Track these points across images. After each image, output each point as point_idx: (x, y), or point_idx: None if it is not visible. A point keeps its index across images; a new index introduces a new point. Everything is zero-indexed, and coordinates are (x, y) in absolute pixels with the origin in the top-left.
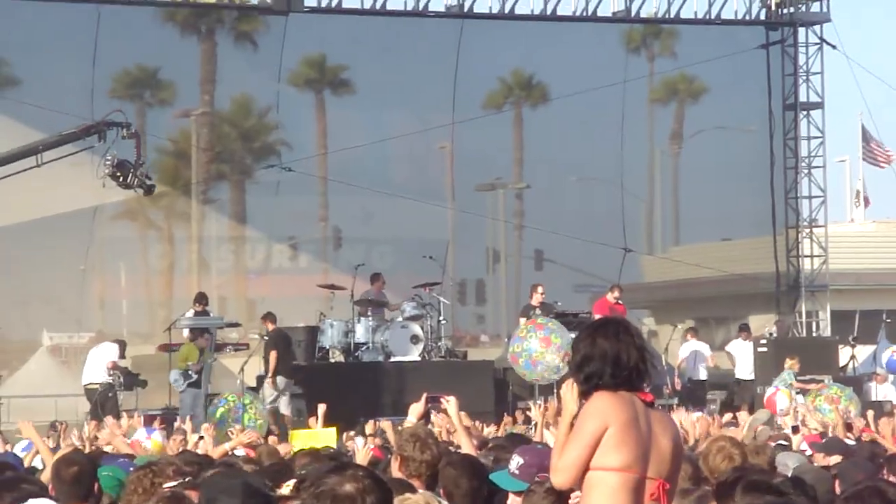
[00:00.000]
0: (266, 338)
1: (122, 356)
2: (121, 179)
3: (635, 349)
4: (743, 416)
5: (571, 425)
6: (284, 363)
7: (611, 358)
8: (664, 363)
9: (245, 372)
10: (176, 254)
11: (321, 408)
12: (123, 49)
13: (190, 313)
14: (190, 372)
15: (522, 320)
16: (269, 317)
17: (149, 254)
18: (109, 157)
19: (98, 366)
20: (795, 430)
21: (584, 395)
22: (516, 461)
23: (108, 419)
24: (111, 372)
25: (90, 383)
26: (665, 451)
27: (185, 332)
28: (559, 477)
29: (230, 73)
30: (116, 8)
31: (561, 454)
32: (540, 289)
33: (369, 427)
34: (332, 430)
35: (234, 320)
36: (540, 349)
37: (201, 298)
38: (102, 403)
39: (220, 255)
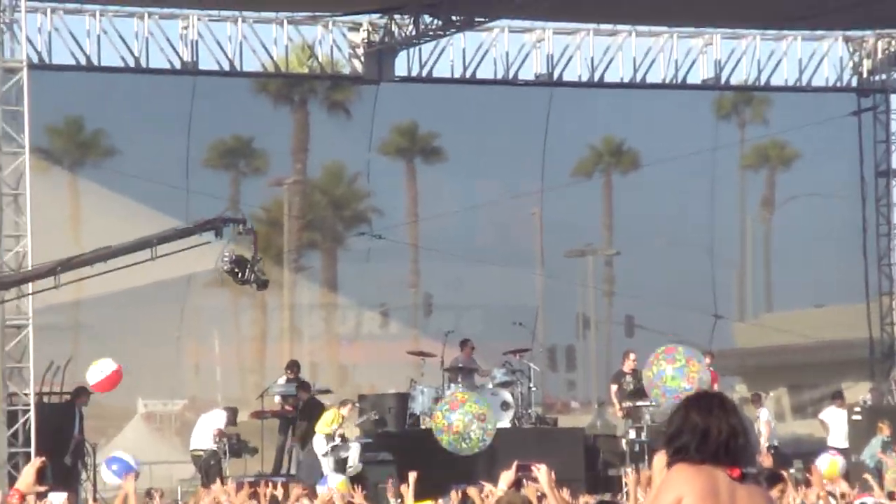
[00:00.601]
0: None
1: (234, 423)
2: (238, 276)
3: (727, 425)
4: (843, 485)
5: None
6: (308, 434)
7: (700, 432)
8: (757, 431)
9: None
10: (268, 321)
11: (412, 475)
12: (218, 119)
13: (282, 380)
14: (335, 435)
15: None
16: (304, 386)
17: (241, 321)
18: (227, 254)
19: (205, 432)
20: (892, 496)
21: (669, 466)
22: None
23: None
24: (217, 439)
25: (195, 449)
26: None
27: (277, 399)
28: None
29: (322, 142)
30: (211, 79)
31: None
32: (632, 355)
33: (453, 497)
34: None
35: (326, 387)
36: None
37: (293, 366)
38: (206, 470)
39: (311, 321)
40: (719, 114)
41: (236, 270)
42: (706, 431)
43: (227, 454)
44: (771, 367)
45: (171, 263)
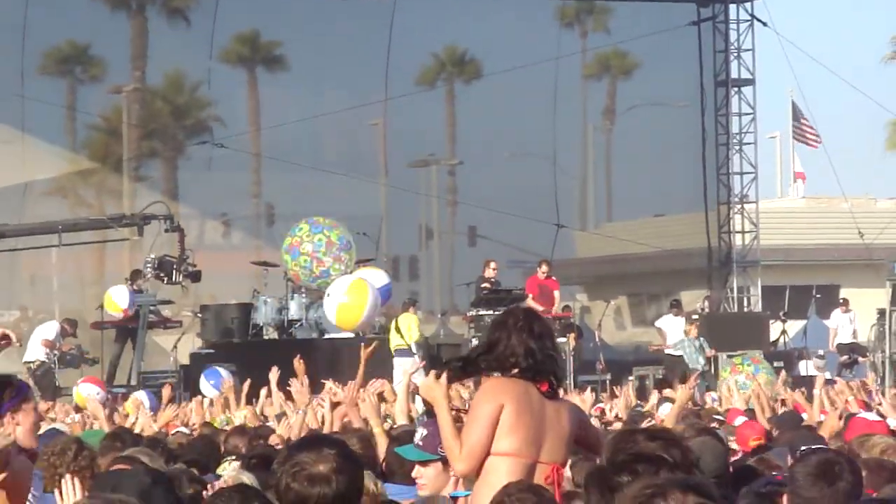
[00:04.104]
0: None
1: (73, 334)
2: (165, 281)
3: (531, 342)
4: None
5: (456, 413)
6: None
7: (508, 349)
8: (597, 339)
9: (178, 349)
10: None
11: (247, 384)
12: (53, 26)
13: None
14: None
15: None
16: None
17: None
18: (150, 260)
19: (35, 344)
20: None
21: (477, 383)
22: (420, 433)
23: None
24: (47, 350)
25: (26, 361)
26: (562, 436)
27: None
28: (464, 465)
29: (162, 50)
30: None
31: (461, 442)
32: (493, 264)
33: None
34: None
35: (168, 298)
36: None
37: (134, 276)
38: (37, 382)
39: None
40: (562, 23)
41: (162, 275)
42: (513, 350)
43: (57, 365)
44: (611, 275)
45: (7, 172)
